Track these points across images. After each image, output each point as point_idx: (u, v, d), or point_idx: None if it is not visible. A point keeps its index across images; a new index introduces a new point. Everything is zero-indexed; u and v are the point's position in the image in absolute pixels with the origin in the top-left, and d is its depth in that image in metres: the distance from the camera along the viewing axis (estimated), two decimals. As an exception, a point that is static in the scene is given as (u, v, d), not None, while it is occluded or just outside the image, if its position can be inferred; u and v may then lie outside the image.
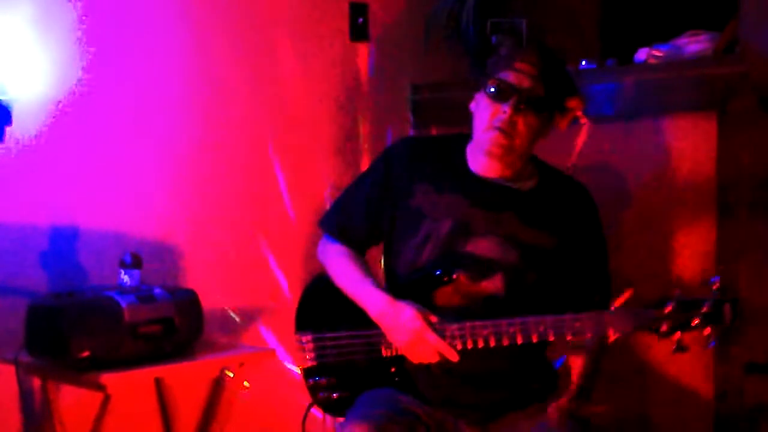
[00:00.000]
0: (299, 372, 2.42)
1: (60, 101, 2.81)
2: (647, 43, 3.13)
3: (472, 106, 2.31)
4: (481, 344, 2.16)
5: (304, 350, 2.37)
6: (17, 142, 2.72)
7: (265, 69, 3.26)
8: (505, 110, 2.21)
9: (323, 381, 2.36)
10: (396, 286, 2.32)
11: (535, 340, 2.15)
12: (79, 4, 2.84)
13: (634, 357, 3.07)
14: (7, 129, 2.69)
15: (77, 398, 2.75)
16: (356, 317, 2.31)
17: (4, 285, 2.72)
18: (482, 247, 2.25)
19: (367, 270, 2.37)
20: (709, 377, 2.90)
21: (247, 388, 2.50)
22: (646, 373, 3.04)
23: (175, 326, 2.60)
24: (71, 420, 2.73)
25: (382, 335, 2.27)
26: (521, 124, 2.22)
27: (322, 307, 2.41)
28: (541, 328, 2.14)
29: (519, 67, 2.22)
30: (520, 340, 2.15)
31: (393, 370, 2.28)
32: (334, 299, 2.38)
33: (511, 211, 2.27)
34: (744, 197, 2.85)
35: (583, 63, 3.30)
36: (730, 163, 2.87)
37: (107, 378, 2.45)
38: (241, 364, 2.80)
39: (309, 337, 2.37)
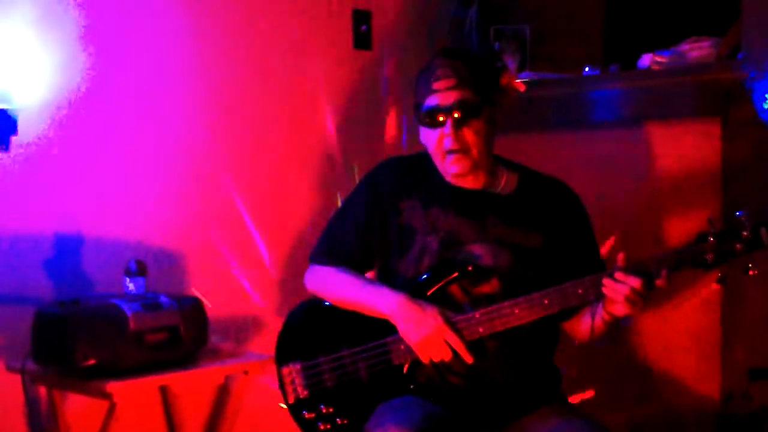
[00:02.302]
0: (286, 407, 2.32)
1: (63, 108, 2.82)
2: (650, 49, 3.13)
3: (421, 138, 2.33)
4: (499, 327, 2.17)
5: (293, 382, 2.31)
6: (22, 151, 2.74)
7: (268, 76, 3.27)
8: (446, 132, 2.23)
9: (322, 410, 2.28)
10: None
11: (542, 314, 2.16)
12: (81, 9, 2.85)
13: (640, 358, 3.07)
14: (13, 138, 2.71)
15: (83, 406, 2.75)
16: (350, 336, 2.29)
17: (10, 293, 2.72)
18: (474, 255, 2.25)
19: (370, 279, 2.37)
20: (714, 380, 2.90)
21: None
22: (651, 374, 3.05)
23: (181, 334, 2.60)
24: (77, 428, 2.74)
25: (390, 343, 2.25)
26: (469, 135, 2.23)
27: (307, 335, 2.35)
28: (546, 300, 2.15)
29: (437, 87, 2.23)
30: (534, 315, 2.16)
31: (404, 380, 2.24)
32: (319, 324, 2.35)
33: (494, 216, 2.28)
34: (750, 203, 2.84)
35: (587, 69, 3.30)
36: (736, 169, 2.87)
37: (112, 386, 2.45)
38: (246, 372, 2.80)
39: (297, 367, 2.31)
